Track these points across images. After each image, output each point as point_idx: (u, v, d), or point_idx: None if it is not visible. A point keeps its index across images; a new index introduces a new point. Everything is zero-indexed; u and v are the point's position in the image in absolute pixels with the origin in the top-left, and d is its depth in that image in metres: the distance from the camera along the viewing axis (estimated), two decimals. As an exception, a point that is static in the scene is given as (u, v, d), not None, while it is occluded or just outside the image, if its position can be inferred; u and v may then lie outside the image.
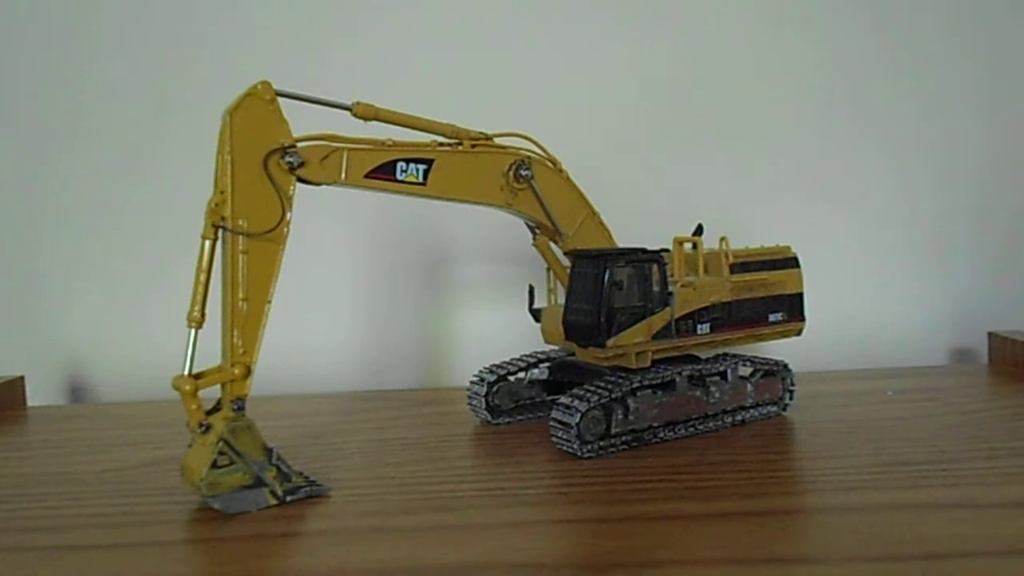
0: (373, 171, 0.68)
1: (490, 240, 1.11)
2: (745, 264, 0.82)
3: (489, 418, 0.84)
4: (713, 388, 0.79)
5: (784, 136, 1.15)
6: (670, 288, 0.76)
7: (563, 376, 0.85)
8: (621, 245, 0.82)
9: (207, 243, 0.62)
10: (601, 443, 0.73)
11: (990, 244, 1.18)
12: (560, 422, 0.72)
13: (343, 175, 0.67)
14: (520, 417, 0.86)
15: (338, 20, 1.10)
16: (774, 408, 0.84)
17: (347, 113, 0.68)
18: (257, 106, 0.63)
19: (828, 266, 1.09)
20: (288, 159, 0.64)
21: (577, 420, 0.71)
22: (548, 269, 0.85)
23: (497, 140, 0.75)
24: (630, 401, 0.74)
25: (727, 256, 0.81)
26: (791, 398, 0.85)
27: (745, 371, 0.83)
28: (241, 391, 0.63)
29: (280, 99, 0.64)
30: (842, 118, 1.16)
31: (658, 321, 0.75)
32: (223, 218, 0.62)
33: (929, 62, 1.16)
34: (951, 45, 1.16)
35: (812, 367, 1.01)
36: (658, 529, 0.55)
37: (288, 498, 0.63)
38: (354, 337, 1.13)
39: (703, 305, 0.79)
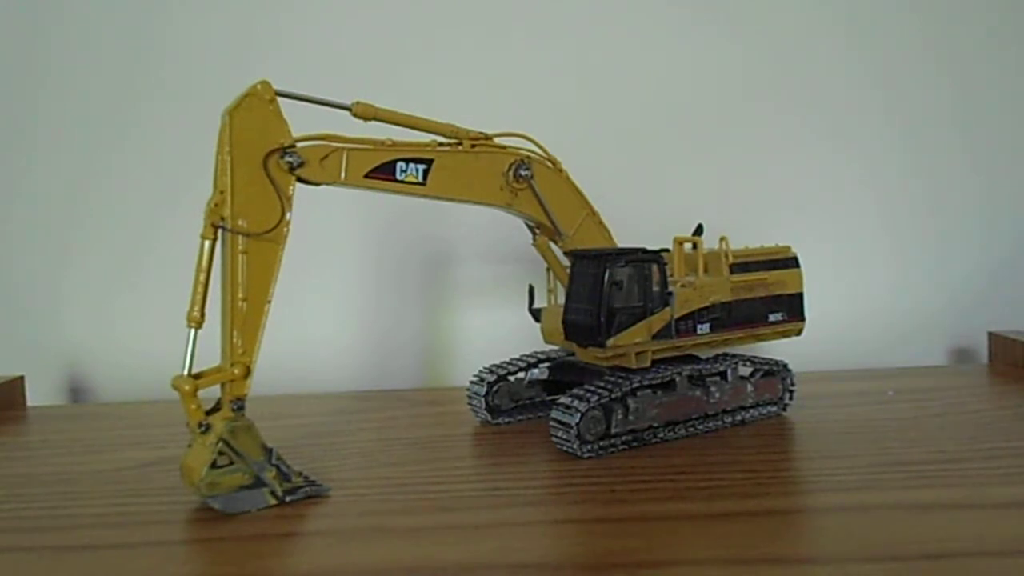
0: (373, 171, 0.68)
1: (490, 240, 1.11)
2: (745, 264, 0.82)
3: (489, 418, 0.84)
4: (713, 388, 0.79)
5: (785, 135, 1.15)
6: (670, 288, 0.76)
7: (563, 376, 0.85)
8: (621, 245, 0.82)
9: (207, 243, 0.62)
10: (601, 443, 0.73)
11: (991, 244, 1.18)
12: (560, 422, 0.72)
13: (343, 175, 0.67)
14: (520, 417, 0.86)
15: (337, 20, 1.10)
16: (774, 408, 0.84)
17: (347, 113, 0.68)
18: (257, 106, 0.63)
19: (828, 266, 1.09)
20: (288, 159, 0.64)
21: (577, 420, 0.71)
22: (548, 269, 0.85)
23: (497, 140, 0.75)
24: (630, 401, 0.74)
25: (727, 256, 0.81)
26: (791, 398, 0.85)
27: (745, 371, 0.83)
28: (241, 391, 0.63)
29: (280, 99, 0.64)
30: (845, 118, 1.15)
31: (658, 321, 0.75)
32: (223, 218, 0.62)
33: (934, 63, 1.16)
34: (952, 45, 1.16)
35: (812, 367, 1.01)
36: (658, 529, 0.55)
37: (288, 498, 0.63)
38: (354, 337, 1.13)
39: (703, 305, 0.79)
